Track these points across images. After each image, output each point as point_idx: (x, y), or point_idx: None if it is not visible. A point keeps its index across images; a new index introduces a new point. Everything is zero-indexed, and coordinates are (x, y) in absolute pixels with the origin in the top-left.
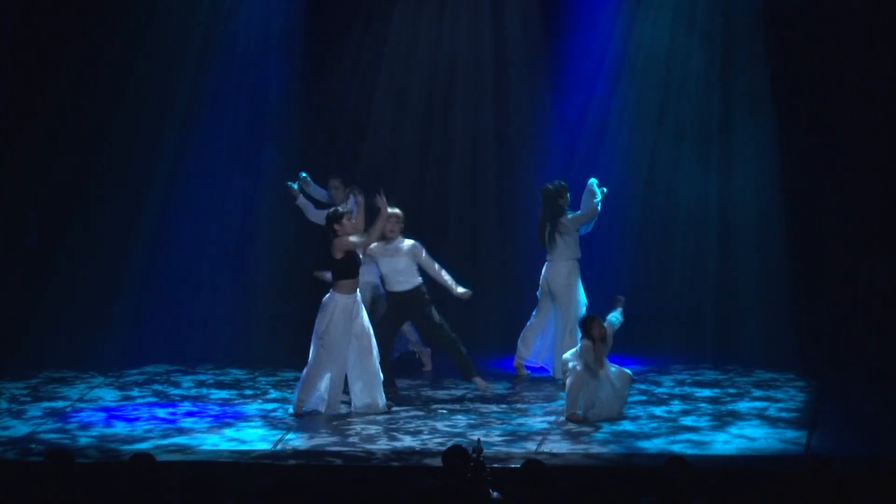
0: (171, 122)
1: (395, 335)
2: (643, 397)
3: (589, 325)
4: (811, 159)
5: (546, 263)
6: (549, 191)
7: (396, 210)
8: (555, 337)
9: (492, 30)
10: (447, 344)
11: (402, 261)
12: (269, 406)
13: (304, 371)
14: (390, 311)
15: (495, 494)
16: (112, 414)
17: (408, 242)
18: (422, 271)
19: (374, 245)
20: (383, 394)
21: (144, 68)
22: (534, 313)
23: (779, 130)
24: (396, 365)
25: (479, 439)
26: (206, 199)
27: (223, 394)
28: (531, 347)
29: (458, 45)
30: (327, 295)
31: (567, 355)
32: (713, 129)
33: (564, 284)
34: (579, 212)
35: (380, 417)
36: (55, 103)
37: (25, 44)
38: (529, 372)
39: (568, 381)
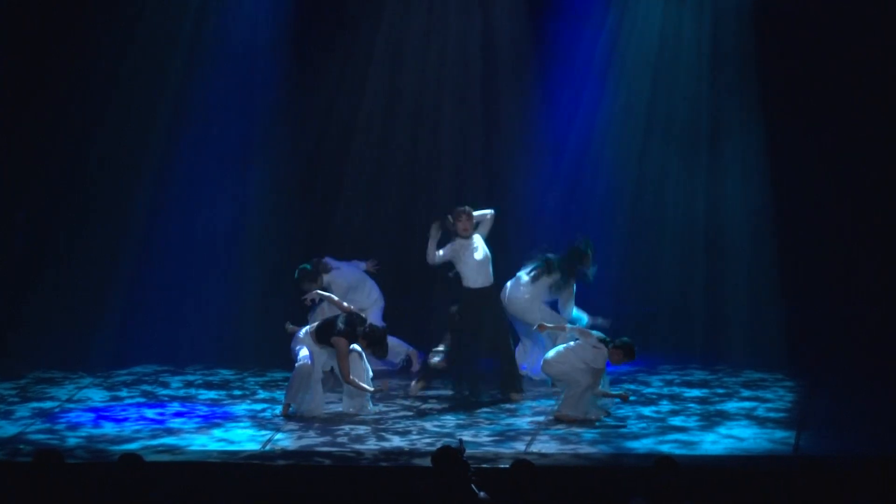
0: (160, 122)
1: (477, 334)
2: (632, 397)
3: (630, 350)
4: (800, 158)
5: (514, 282)
6: (579, 251)
7: (466, 207)
8: (543, 344)
9: (481, 31)
10: (503, 351)
11: (482, 255)
12: (258, 406)
13: (293, 372)
14: (469, 309)
15: (482, 494)
16: (101, 414)
17: (480, 237)
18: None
19: (453, 245)
20: (370, 398)
21: (133, 68)
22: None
23: (768, 130)
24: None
25: (460, 439)
26: (195, 199)
27: (212, 394)
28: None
29: (446, 46)
30: (304, 331)
31: (552, 354)
32: (703, 127)
33: (524, 310)
34: (567, 310)
35: (368, 418)
36: (44, 104)
37: (13, 45)
38: (527, 371)
39: (570, 384)
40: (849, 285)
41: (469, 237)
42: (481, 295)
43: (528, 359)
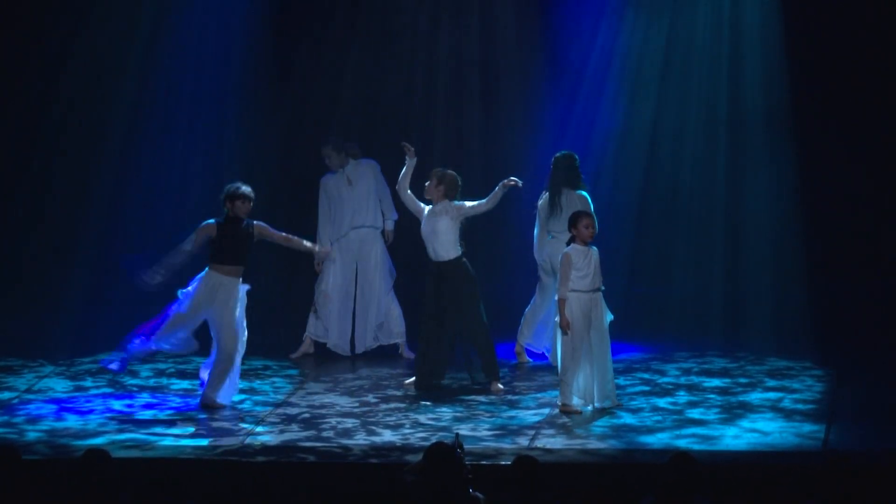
0: (124, 98)
1: (442, 315)
2: (646, 388)
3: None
4: (827, 136)
5: (550, 238)
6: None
7: (441, 171)
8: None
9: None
10: (477, 337)
11: (440, 223)
12: (236, 397)
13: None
14: (427, 286)
15: (479, 496)
16: (63, 406)
17: (446, 203)
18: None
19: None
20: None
21: (91, 44)
22: (535, 293)
23: (792, 107)
24: (375, 352)
25: (457, 433)
26: (163, 174)
27: (185, 384)
28: (534, 330)
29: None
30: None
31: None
32: (722, 103)
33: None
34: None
35: (357, 409)
36: None
37: None
38: (531, 360)
39: (560, 367)
40: (881, 266)
41: (432, 203)
42: (442, 268)
43: (537, 337)
